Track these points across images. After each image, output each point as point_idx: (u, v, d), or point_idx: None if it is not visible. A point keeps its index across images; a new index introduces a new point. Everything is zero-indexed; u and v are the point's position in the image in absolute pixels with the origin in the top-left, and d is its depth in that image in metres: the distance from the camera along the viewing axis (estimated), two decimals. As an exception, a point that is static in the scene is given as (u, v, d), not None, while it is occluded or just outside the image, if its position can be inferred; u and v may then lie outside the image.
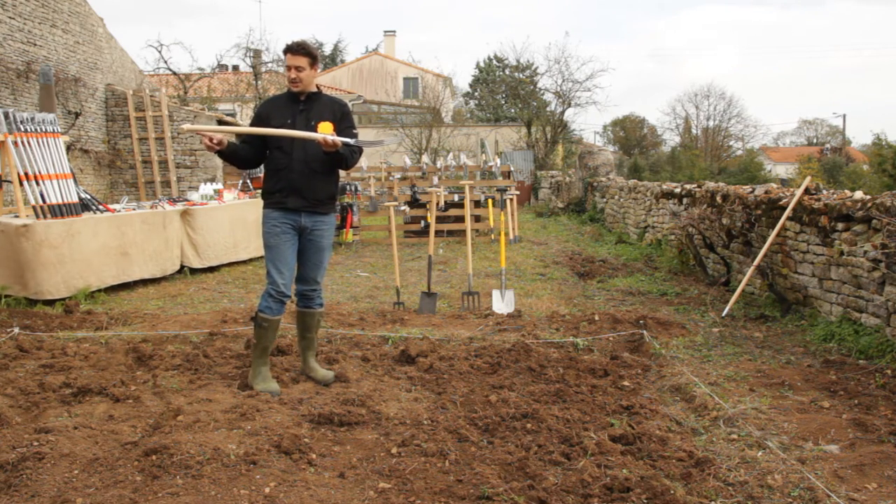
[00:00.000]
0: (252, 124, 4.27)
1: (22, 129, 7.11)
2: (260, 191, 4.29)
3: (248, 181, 11.45)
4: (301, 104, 4.18)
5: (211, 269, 9.02)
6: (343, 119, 4.25)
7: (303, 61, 4.09)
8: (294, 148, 4.09)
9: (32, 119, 7.29)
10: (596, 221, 15.19)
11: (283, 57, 4.14)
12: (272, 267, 4.12)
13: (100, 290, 7.37)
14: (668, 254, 9.29)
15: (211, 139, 3.95)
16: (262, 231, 4.21)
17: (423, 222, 12.45)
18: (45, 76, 10.58)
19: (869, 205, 5.18)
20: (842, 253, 5.41)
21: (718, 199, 7.69)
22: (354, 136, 4.24)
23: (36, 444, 3.20)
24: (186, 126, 4.01)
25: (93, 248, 7.23)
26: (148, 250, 7.96)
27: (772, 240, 6.27)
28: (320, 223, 4.22)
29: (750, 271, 6.39)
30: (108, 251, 7.43)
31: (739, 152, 46.91)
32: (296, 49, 4.09)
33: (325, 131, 4.11)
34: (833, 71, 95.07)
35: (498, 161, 15.32)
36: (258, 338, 4.15)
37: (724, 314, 6.12)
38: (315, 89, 4.22)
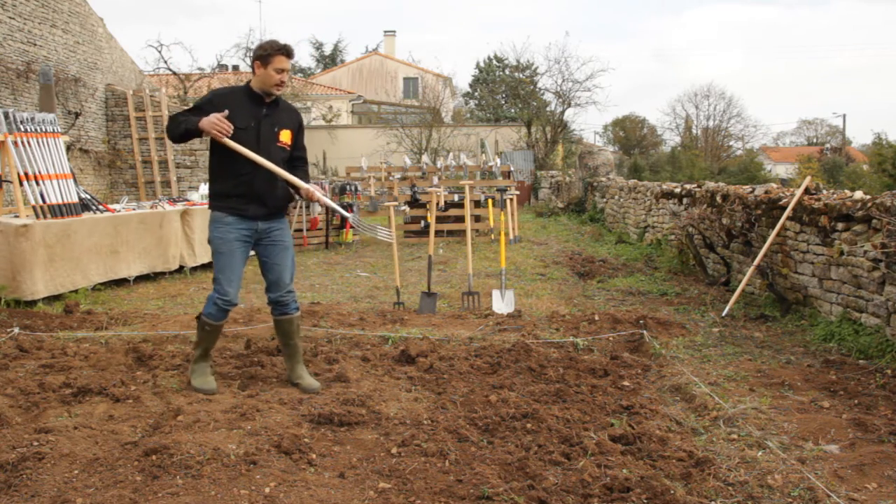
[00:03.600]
0: (205, 110, 3.93)
1: (22, 129, 7.11)
2: (210, 191, 4.12)
3: None
4: (265, 108, 4.04)
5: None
6: (299, 130, 4.23)
7: (289, 65, 4.00)
8: (259, 155, 3.93)
9: (32, 119, 7.29)
10: (596, 221, 15.19)
11: (272, 56, 3.82)
12: (222, 275, 4.01)
13: (97, 289, 7.38)
14: (668, 254, 9.29)
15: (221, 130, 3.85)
16: (212, 236, 4.04)
17: (423, 222, 12.44)
18: (45, 76, 10.59)
19: (869, 204, 5.18)
20: (842, 253, 5.41)
21: (718, 199, 7.69)
22: (305, 146, 4.28)
23: (36, 444, 3.20)
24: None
25: (85, 247, 7.25)
26: (138, 248, 7.98)
27: (772, 240, 6.27)
28: (277, 223, 4.15)
29: (750, 271, 6.39)
30: (99, 249, 7.46)
31: (739, 152, 46.92)
32: (291, 52, 3.98)
33: (285, 139, 4.09)
34: (836, 71, 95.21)
35: (498, 161, 15.33)
36: (200, 339, 4.15)
37: (724, 314, 6.12)
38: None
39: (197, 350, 4.19)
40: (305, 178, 4.19)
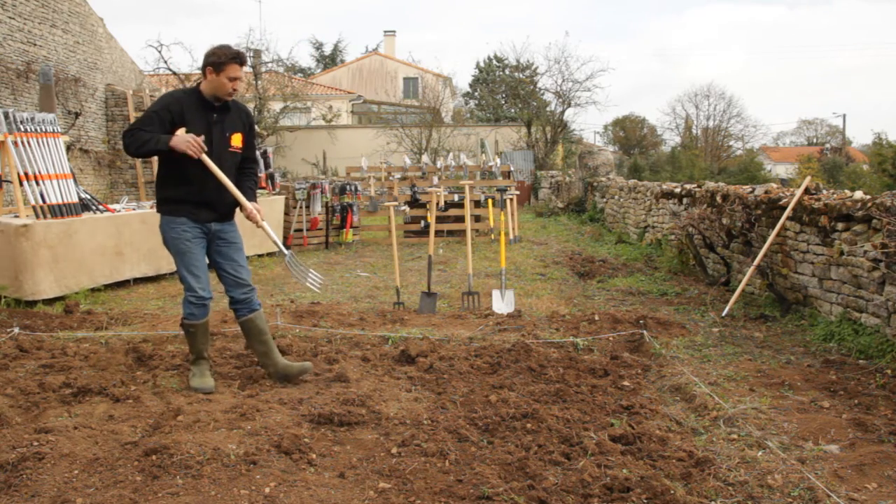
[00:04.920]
0: (161, 117, 3.96)
1: (22, 129, 7.11)
2: (158, 196, 4.19)
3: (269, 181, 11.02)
4: (215, 113, 4.06)
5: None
6: (250, 130, 4.27)
7: (242, 74, 4.02)
8: (210, 161, 3.96)
9: (32, 119, 7.29)
10: (596, 221, 15.18)
11: (226, 64, 3.94)
12: (187, 273, 4.05)
13: (97, 290, 7.38)
14: (668, 254, 9.29)
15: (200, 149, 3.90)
16: (168, 237, 4.07)
17: (423, 222, 12.44)
18: (45, 76, 10.58)
19: (869, 204, 5.18)
20: (842, 253, 5.41)
21: (718, 199, 7.69)
22: (255, 146, 4.33)
23: (36, 444, 3.20)
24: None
25: (88, 248, 7.24)
26: (143, 249, 7.97)
27: (772, 240, 6.27)
28: (228, 225, 4.22)
29: (750, 271, 6.39)
30: (104, 251, 7.45)
31: (739, 152, 46.92)
32: (245, 60, 4.01)
33: (236, 143, 4.14)
34: (836, 71, 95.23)
35: (498, 161, 15.31)
36: (190, 344, 4.22)
37: (724, 314, 6.12)
38: None
39: (192, 354, 4.24)
40: (253, 184, 4.28)
